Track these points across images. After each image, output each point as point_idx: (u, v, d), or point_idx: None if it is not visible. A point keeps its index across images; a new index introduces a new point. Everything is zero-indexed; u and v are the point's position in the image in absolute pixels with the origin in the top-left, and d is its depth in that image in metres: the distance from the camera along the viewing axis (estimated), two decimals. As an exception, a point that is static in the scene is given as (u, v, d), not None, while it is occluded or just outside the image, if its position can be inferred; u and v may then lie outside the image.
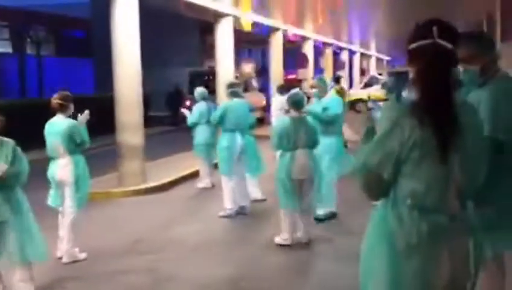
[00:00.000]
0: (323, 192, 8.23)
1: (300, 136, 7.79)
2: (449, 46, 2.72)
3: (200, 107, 11.96)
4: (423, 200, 2.70)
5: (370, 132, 2.92)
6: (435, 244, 2.69)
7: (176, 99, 28.36)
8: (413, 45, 2.78)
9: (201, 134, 11.92)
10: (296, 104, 8.00)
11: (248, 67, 29.24)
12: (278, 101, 14.49)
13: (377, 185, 2.79)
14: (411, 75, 2.82)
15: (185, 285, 6.55)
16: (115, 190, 11.93)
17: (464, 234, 2.74)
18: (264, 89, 29.23)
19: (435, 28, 2.72)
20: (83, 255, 7.53)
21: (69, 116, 7.47)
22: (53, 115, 7.43)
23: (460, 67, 3.85)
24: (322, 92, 9.08)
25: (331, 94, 9.19)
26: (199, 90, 12.19)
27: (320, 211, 8.80)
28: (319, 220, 8.74)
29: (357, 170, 2.83)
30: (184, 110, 12.14)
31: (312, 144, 7.92)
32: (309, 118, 8.27)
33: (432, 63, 2.71)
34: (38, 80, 34.32)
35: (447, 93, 2.71)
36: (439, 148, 2.64)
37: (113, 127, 12.65)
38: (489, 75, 3.89)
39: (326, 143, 8.57)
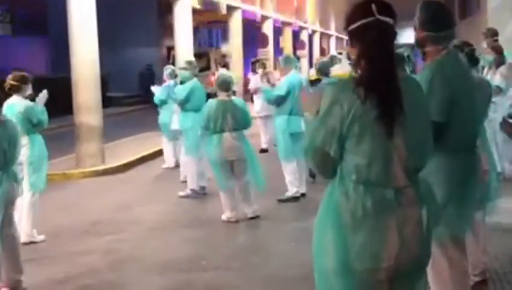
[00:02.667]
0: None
1: (227, 119, 7.77)
2: (391, 21, 2.77)
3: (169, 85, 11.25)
4: (367, 174, 2.73)
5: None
6: (381, 217, 2.72)
7: (147, 79, 28.56)
8: (355, 25, 2.80)
9: (167, 113, 11.28)
10: (224, 85, 7.96)
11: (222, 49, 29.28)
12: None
13: (325, 162, 2.82)
14: (352, 56, 2.84)
15: (145, 265, 6.53)
16: (73, 171, 11.81)
17: (412, 205, 2.77)
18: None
19: (373, 6, 2.75)
20: (40, 237, 7.43)
21: (26, 97, 7.38)
22: (8, 95, 7.31)
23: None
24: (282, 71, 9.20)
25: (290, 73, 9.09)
26: (168, 69, 11.87)
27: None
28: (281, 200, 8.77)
29: (306, 149, 2.87)
30: (154, 88, 11.92)
31: (240, 126, 7.90)
32: (238, 101, 8.20)
33: (377, 40, 2.74)
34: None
35: (392, 69, 2.75)
36: (383, 122, 2.68)
37: (70, 108, 12.47)
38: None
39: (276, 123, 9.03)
